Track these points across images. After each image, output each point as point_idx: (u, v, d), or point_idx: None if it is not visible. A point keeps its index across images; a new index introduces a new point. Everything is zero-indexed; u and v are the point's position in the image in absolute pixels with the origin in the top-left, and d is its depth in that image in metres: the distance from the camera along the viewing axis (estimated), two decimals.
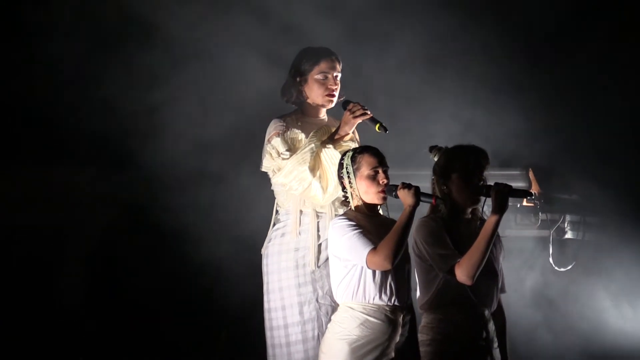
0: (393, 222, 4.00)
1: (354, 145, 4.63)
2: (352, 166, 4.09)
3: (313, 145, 4.51)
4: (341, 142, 4.58)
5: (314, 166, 4.50)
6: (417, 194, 3.97)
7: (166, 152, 6.47)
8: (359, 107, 4.53)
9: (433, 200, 4.04)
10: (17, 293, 6.58)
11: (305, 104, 4.75)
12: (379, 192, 4.05)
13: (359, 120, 4.53)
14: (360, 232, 3.96)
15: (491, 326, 4.10)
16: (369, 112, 4.52)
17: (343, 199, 4.17)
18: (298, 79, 4.72)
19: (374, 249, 3.89)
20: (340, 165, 4.14)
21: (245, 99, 6.19)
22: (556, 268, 6.90)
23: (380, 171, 4.06)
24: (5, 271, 6.59)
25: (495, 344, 4.12)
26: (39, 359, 6.39)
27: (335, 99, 4.70)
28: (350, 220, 4.01)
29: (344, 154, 4.18)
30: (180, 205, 6.47)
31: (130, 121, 6.34)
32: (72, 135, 6.71)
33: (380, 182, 4.05)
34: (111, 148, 6.61)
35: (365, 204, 4.09)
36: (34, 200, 6.84)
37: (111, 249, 6.91)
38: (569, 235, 7.00)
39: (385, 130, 4.45)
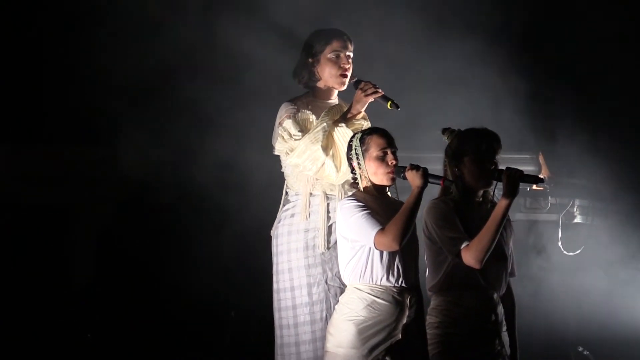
0: (401, 204, 3.99)
1: (367, 123, 4.63)
2: (361, 147, 4.09)
3: (325, 124, 4.50)
4: (353, 120, 4.58)
5: (327, 145, 4.49)
6: (425, 175, 3.97)
7: (176, 133, 6.49)
8: (371, 86, 4.52)
9: (441, 182, 4.04)
10: (27, 271, 6.62)
11: (316, 87, 4.73)
12: (387, 173, 4.05)
13: (371, 99, 4.52)
14: (369, 213, 3.96)
15: (500, 309, 4.10)
16: (380, 91, 4.50)
17: (352, 180, 4.17)
18: (310, 60, 4.70)
19: (382, 229, 3.90)
20: (349, 147, 4.14)
21: (257, 79, 6.20)
22: (565, 252, 6.90)
23: (389, 152, 4.06)
24: (15, 249, 6.62)
25: (504, 327, 4.12)
26: (48, 336, 6.43)
27: (347, 80, 4.67)
28: (358, 201, 4.02)
29: (352, 136, 4.18)
30: (190, 186, 6.48)
31: (141, 102, 6.35)
32: (82, 115, 6.72)
33: (389, 163, 4.05)
34: (121, 128, 6.62)
35: (374, 186, 4.10)
36: (44, 179, 6.86)
37: (120, 228, 6.93)
38: (578, 219, 6.99)
39: (397, 107, 4.44)
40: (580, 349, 6.73)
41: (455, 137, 4.16)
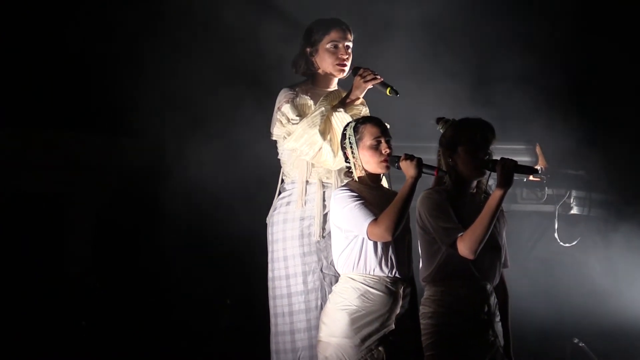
0: (395, 194, 3.99)
1: (365, 109, 4.62)
2: (355, 136, 4.08)
3: (323, 108, 4.49)
4: (352, 105, 4.57)
5: (325, 129, 4.48)
6: (420, 165, 3.96)
7: (174, 121, 6.49)
8: (370, 72, 4.51)
9: (435, 172, 4.03)
10: (22, 258, 6.62)
11: (316, 75, 4.72)
12: (381, 161, 4.05)
13: (370, 85, 4.51)
14: (362, 203, 3.95)
15: (493, 300, 4.10)
16: (379, 77, 4.50)
17: (346, 169, 4.17)
18: (309, 50, 4.68)
19: (375, 220, 3.89)
20: (343, 136, 4.13)
21: (255, 67, 6.20)
22: (561, 243, 6.91)
23: (382, 141, 4.05)
24: (11, 236, 6.63)
25: (497, 318, 4.13)
26: (42, 323, 6.44)
27: (346, 69, 4.66)
28: (352, 191, 4.01)
29: (346, 125, 4.17)
30: (186, 173, 6.48)
31: (139, 90, 6.35)
32: (80, 102, 6.72)
33: (383, 151, 4.05)
34: (119, 116, 6.62)
35: (368, 175, 4.09)
36: (41, 166, 6.86)
37: (117, 216, 6.93)
38: (574, 210, 7.00)
39: (397, 93, 4.43)
40: (576, 340, 6.73)
41: (449, 127, 4.15)
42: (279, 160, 4.73)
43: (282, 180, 4.72)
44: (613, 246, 6.90)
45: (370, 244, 3.95)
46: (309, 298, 4.51)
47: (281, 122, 4.55)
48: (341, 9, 5.44)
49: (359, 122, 4.12)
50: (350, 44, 4.68)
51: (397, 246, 3.99)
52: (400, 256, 4.00)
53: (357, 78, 4.54)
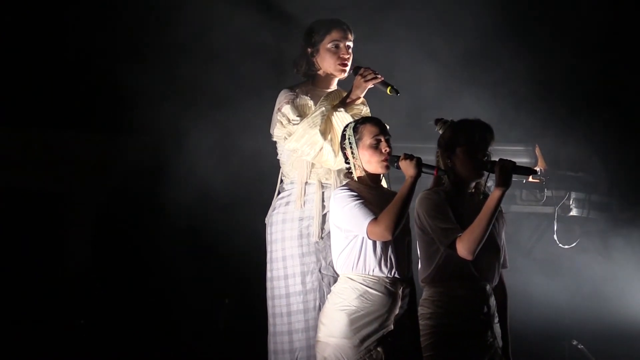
0: (394, 194, 3.99)
1: (366, 108, 4.62)
2: (354, 136, 4.08)
3: (324, 108, 4.49)
4: (352, 105, 4.58)
5: (325, 129, 4.48)
6: (419, 165, 3.97)
7: (174, 120, 6.48)
8: (370, 72, 4.51)
9: (435, 172, 4.04)
10: (22, 257, 6.62)
11: (316, 75, 4.71)
12: (381, 160, 4.05)
13: (370, 85, 4.51)
14: (362, 203, 3.95)
15: (492, 301, 4.10)
16: (380, 76, 4.50)
17: (346, 170, 4.17)
18: (309, 50, 4.67)
19: (375, 219, 3.89)
20: (343, 136, 4.14)
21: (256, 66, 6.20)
22: (560, 245, 6.91)
23: (382, 140, 4.06)
24: (10, 235, 6.63)
25: (496, 319, 4.12)
26: (42, 322, 6.44)
27: (347, 69, 4.66)
28: (352, 190, 4.02)
29: (345, 126, 4.18)
30: (185, 173, 6.48)
31: (139, 89, 6.35)
32: (79, 101, 6.72)
33: (383, 150, 4.05)
34: (118, 114, 6.62)
35: (368, 175, 4.09)
36: (41, 164, 6.87)
37: (116, 215, 6.93)
38: (573, 212, 7.00)
39: (397, 92, 4.44)
40: (575, 342, 6.73)
41: (448, 128, 4.15)
42: (278, 160, 4.73)
43: (281, 181, 4.72)
44: (612, 248, 6.91)
45: (370, 244, 3.95)
46: (307, 298, 4.50)
47: (281, 122, 4.55)
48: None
49: (358, 123, 4.13)
50: (351, 44, 4.68)
51: (396, 246, 3.99)
52: (399, 257, 4.00)
53: (358, 77, 4.54)
